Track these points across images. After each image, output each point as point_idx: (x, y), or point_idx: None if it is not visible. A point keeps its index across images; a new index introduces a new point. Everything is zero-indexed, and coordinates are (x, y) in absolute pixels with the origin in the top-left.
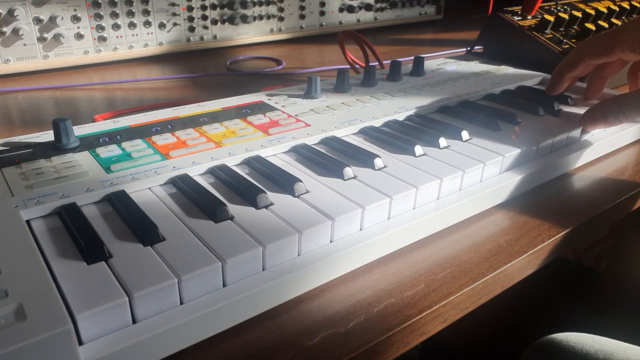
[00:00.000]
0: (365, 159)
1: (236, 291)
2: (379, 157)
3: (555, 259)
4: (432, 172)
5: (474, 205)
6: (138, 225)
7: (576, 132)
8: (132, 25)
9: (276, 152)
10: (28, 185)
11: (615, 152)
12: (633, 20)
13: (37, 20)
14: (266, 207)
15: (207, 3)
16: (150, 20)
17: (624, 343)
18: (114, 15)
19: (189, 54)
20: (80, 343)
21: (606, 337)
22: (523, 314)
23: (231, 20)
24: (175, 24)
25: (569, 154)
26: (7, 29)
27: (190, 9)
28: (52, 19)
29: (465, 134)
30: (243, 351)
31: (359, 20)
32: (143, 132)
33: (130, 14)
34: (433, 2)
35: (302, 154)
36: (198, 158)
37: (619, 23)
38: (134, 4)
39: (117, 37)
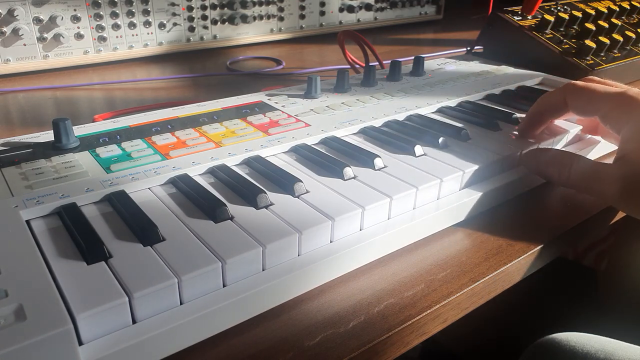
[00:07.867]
0: (365, 159)
1: (236, 291)
2: (379, 157)
3: (555, 259)
4: (432, 172)
5: (474, 205)
6: (138, 225)
7: (575, 130)
8: (132, 25)
9: (276, 152)
10: (28, 185)
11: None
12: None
13: (37, 20)
14: (266, 207)
15: (207, 3)
16: (150, 20)
17: (624, 343)
18: (114, 15)
19: (189, 54)
20: (80, 343)
21: (606, 337)
22: (523, 314)
23: (231, 20)
24: (175, 24)
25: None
26: (7, 29)
27: (190, 9)
28: (52, 19)
29: (465, 134)
30: (243, 351)
31: (359, 20)
32: (143, 132)
33: (130, 14)
34: (433, 2)
35: (302, 154)
36: (198, 158)
37: (619, 23)
38: (134, 4)
39: (117, 37)
